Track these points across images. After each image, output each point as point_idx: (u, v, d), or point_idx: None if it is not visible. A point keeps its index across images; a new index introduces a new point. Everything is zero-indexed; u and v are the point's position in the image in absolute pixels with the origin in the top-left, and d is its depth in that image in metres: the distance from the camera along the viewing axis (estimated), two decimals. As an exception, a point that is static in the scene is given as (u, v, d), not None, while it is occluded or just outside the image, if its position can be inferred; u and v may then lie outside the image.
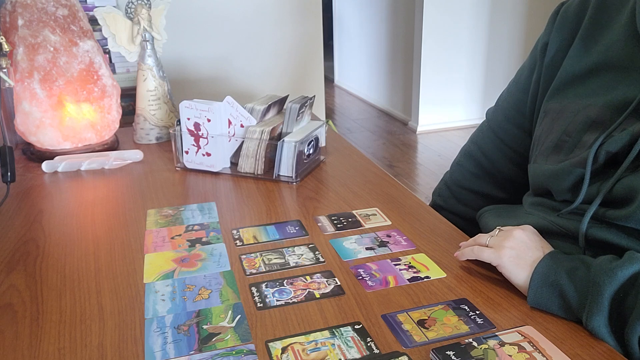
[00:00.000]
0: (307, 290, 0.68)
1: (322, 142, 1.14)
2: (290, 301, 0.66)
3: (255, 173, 1.06)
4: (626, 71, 0.68)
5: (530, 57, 0.85)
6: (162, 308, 0.65)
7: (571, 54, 0.75)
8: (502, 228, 0.70)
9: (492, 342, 0.57)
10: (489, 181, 0.95)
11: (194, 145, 1.08)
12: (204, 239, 0.82)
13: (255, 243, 0.81)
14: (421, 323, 0.61)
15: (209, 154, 1.08)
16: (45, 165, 1.12)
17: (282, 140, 1.02)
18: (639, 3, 0.67)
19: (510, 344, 0.57)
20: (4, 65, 1.07)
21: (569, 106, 0.73)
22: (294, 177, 1.03)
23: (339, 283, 0.70)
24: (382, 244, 0.80)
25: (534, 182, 0.78)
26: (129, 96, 1.60)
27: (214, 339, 0.59)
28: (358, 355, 0.56)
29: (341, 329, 0.61)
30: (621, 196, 0.63)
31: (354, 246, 0.79)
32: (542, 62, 0.80)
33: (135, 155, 1.17)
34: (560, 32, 0.78)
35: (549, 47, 0.79)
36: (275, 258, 0.76)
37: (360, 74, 5.11)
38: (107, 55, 1.66)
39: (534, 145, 0.79)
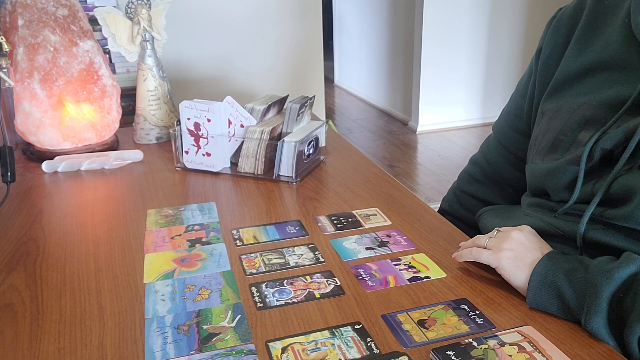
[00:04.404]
0: (307, 290, 0.68)
1: (322, 142, 1.14)
2: (290, 301, 0.66)
3: (255, 173, 1.06)
4: (621, 70, 0.68)
5: (529, 65, 0.86)
6: (162, 308, 0.65)
7: (567, 55, 0.76)
8: (500, 229, 0.70)
9: (492, 342, 0.57)
10: (491, 187, 0.96)
11: (194, 145, 1.08)
12: (204, 239, 0.82)
13: (255, 243, 0.81)
14: (421, 323, 0.61)
15: (209, 154, 1.08)
16: (45, 165, 1.12)
17: (282, 140, 1.02)
18: (634, 5, 0.67)
19: (510, 344, 0.57)
20: (4, 65, 1.07)
21: (565, 105, 0.73)
22: (294, 177, 1.03)
23: (339, 283, 0.70)
24: (382, 244, 0.80)
25: (531, 181, 0.78)
26: (129, 96, 1.60)
27: (214, 339, 0.59)
28: (358, 355, 0.56)
29: (341, 329, 0.61)
30: (618, 196, 0.63)
31: (354, 246, 0.79)
32: (537, 65, 0.81)
33: (135, 155, 1.17)
34: (555, 35, 0.79)
35: (543, 50, 0.81)
36: (275, 258, 0.76)
37: (360, 74, 5.11)
38: (107, 55, 1.66)
39: (531, 145, 0.80)
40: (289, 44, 2.03)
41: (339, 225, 0.86)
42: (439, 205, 1.08)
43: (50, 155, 1.17)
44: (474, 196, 0.98)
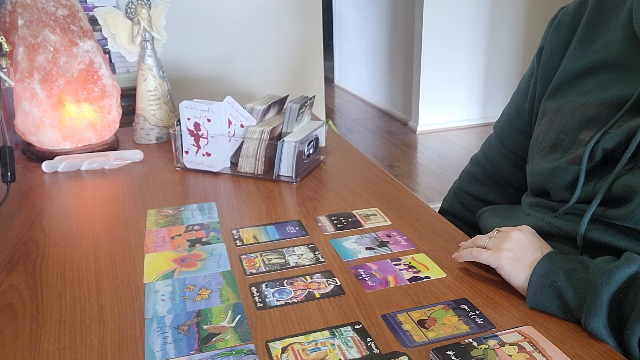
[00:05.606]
0: (307, 290, 0.68)
1: (322, 142, 1.14)
2: (290, 301, 0.66)
3: (255, 173, 1.06)
4: (623, 70, 0.68)
5: (530, 64, 0.86)
6: (162, 308, 0.65)
7: (569, 55, 0.76)
8: (500, 229, 0.70)
9: (492, 342, 0.57)
10: (492, 187, 0.96)
11: (194, 145, 1.08)
12: (204, 239, 0.82)
13: (255, 243, 0.81)
14: (421, 323, 0.61)
15: (209, 154, 1.08)
16: (45, 165, 1.12)
17: (282, 140, 1.02)
18: (636, 4, 0.67)
19: (510, 344, 0.57)
20: (4, 65, 1.07)
21: (566, 105, 0.73)
22: (294, 177, 1.03)
23: (339, 283, 0.70)
24: (382, 244, 0.80)
25: (532, 181, 0.78)
26: (129, 96, 1.60)
27: (214, 339, 0.59)
28: (358, 355, 0.56)
29: (341, 329, 0.61)
30: (619, 196, 0.63)
31: (354, 246, 0.79)
32: (539, 65, 0.81)
33: (135, 155, 1.17)
34: (557, 34, 0.79)
35: (544, 50, 0.80)
36: (275, 258, 0.76)
37: (360, 74, 5.11)
38: (107, 55, 1.66)
39: (532, 145, 0.79)
40: (289, 44, 2.03)
41: (339, 225, 0.86)
42: (439, 205, 1.08)
43: (50, 155, 1.17)
44: (474, 196, 0.98)
